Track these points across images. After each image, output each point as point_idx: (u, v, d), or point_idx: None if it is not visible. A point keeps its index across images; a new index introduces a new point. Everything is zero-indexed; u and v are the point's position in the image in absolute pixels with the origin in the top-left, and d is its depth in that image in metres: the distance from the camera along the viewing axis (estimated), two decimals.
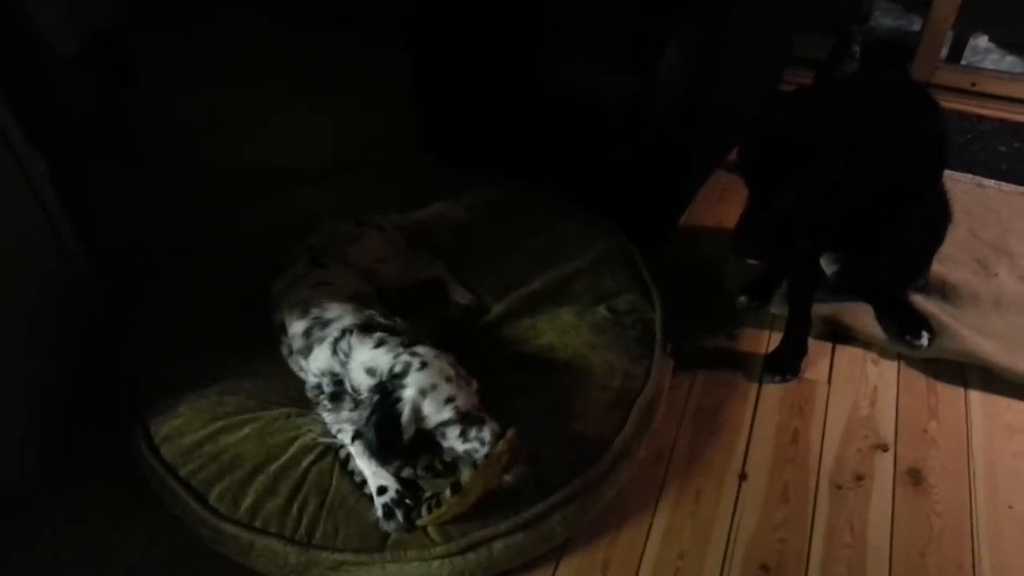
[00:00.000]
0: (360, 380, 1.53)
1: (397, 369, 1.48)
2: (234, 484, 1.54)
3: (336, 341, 1.57)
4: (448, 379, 1.46)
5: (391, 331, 1.59)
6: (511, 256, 2.04)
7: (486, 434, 1.47)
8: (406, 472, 1.54)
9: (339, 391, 1.57)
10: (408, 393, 1.46)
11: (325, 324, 1.62)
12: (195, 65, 3.07)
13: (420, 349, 1.51)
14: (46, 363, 1.74)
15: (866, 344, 2.05)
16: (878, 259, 1.76)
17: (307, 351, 1.62)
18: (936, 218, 1.92)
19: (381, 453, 1.49)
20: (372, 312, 1.66)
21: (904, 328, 2.00)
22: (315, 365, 1.61)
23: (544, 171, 2.26)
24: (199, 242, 2.08)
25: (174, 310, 1.89)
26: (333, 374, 1.58)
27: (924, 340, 1.97)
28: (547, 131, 2.22)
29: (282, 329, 1.70)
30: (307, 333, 1.63)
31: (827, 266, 1.78)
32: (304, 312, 1.66)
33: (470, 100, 2.33)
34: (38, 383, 1.70)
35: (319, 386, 1.61)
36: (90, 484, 1.69)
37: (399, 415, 1.46)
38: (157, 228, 2.27)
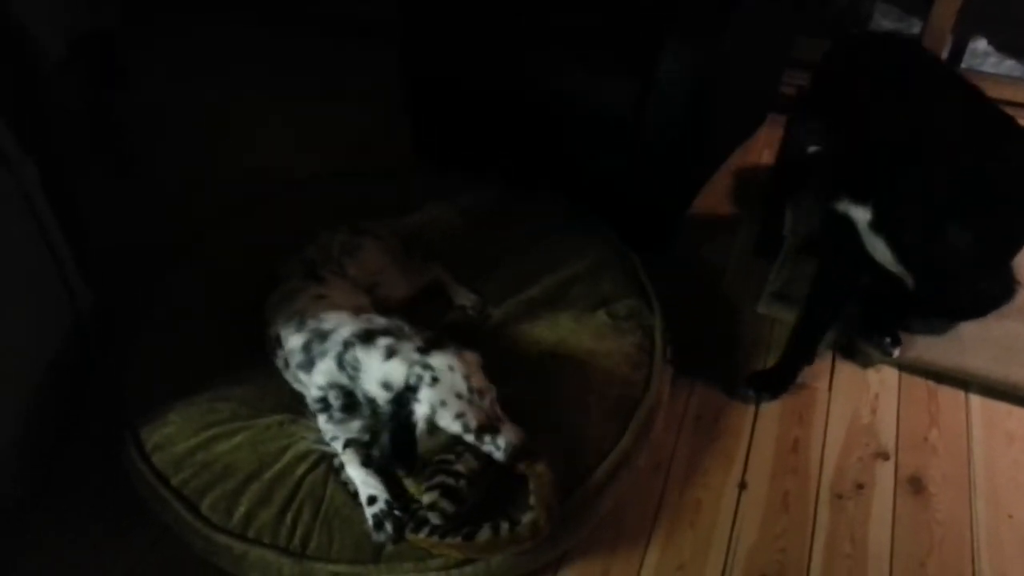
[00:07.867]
0: (377, 394, 1.49)
1: (411, 382, 1.45)
2: (227, 493, 1.52)
3: (341, 355, 1.53)
4: (459, 395, 1.43)
5: (396, 334, 1.54)
6: (508, 263, 2.01)
7: (500, 442, 1.45)
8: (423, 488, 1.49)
9: (351, 402, 1.54)
10: (421, 410, 1.44)
11: (324, 337, 1.58)
12: (186, 70, 3.04)
13: (435, 360, 1.46)
14: (35, 371, 1.71)
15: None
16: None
17: (308, 365, 1.58)
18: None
19: (396, 462, 1.48)
20: (368, 315, 1.62)
21: (883, 331, 1.98)
22: (318, 379, 1.57)
23: (541, 177, 2.24)
24: (191, 249, 2.05)
25: (165, 317, 1.86)
26: (341, 387, 1.54)
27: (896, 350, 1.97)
28: (544, 137, 2.20)
29: (278, 342, 1.66)
30: (306, 347, 1.59)
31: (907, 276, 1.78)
32: (300, 325, 1.62)
33: (464, 106, 2.30)
34: (26, 392, 1.67)
35: (324, 399, 1.57)
36: (81, 495, 1.67)
37: (414, 428, 1.44)
38: (148, 235, 2.24)
